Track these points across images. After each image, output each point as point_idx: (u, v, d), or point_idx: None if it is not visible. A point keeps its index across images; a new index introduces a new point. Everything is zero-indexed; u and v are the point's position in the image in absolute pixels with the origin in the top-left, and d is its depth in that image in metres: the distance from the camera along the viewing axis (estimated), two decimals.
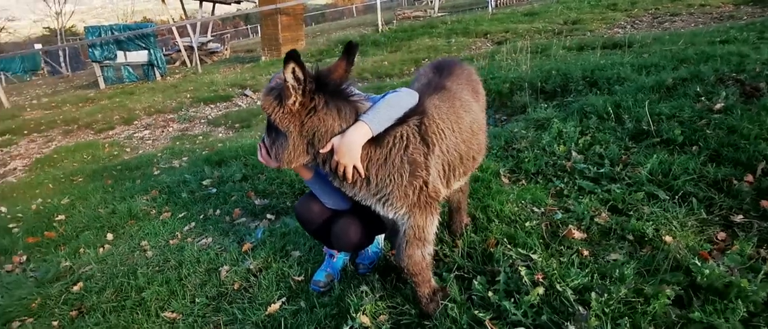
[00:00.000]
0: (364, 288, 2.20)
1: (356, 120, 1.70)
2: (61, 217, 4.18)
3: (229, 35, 23.90)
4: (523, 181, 3.12)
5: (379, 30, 14.45)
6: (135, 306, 2.61)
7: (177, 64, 17.57)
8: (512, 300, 1.88)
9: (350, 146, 1.66)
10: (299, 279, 2.54)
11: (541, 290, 1.84)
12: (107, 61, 14.14)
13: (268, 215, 3.50)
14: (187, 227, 3.52)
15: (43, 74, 26.70)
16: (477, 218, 2.66)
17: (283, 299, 2.39)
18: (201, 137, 7.02)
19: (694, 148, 2.97)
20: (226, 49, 19.96)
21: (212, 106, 9.26)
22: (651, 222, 2.33)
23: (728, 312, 1.66)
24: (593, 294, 1.77)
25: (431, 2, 21.75)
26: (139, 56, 14.26)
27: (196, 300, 2.56)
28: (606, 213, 2.51)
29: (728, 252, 2.05)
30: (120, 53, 14.16)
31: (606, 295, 1.76)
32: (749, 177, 2.55)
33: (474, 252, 2.33)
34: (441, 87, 1.95)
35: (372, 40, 12.96)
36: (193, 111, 8.91)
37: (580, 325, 1.67)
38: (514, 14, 12.78)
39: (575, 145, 3.33)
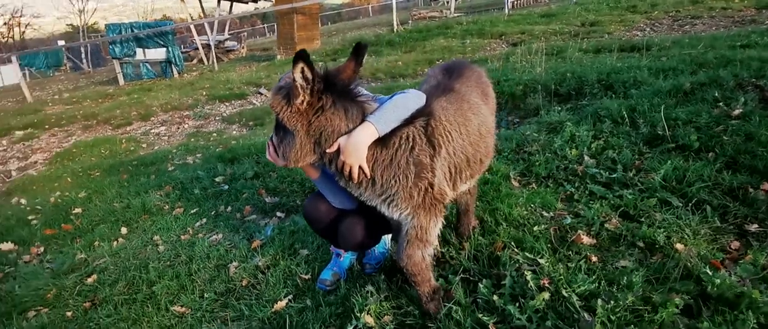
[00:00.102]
0: (369, 288, 2.21)
1: (363, 120, 1.71)
2: (78, 210, 4.27)
3: (245, 34, 24.12)
4: (534, 184, 3.09)
5: (394, 30, 14.45)
6: (146, 300, 2.66)
7: (194, 61, 17.82)
8: (517, 304, 1.87)
9: (356, 146, 1.67)
10: (306, 277, 2.56)
11: (546, 295, 1.83)
12: (127, 58, 14.42)
13: (278, 213, 3.53)
14: (198, 223, 3.57)
15: (66, 70, 27.39)
16: (485, 220, 2.65)
17: (290, 296, 2.41)
18: (215, 134, 7.10)
19: (710, 154, 2.90)
20: (243, 48, 20.17)
21: (227, 103, 9.36)
22: (663, 229, 2.29)
23: (738, 324, 1.63)
24: (599, 301, 1.75)
25: (447, 2, 21.68)
26: (158, 54, 14.51)
27: (205, 295, 2.60)
28: (617, 219, 2.48)
29: (741, 261, 2.01)
30: (139, 50, 14.43)
31: (612, 302, 1.74)
32: (766, 185, 2.49)
33: (481, 254, 2.32)
34: (449, 89, 1.94)
35: (387, 40, 12.96)
36: (209, 108, 9.02)
37: None
38: (531, 15, 12.65)
39: (588, 149, 3.29)
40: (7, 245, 3.72)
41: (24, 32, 49.39)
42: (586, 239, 2.31)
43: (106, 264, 3.14)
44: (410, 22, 18.26)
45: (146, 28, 14.72)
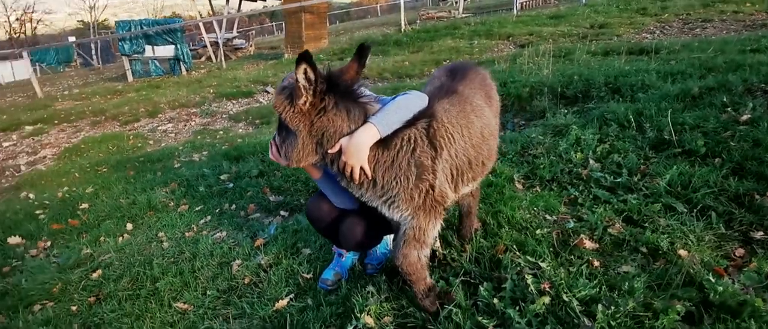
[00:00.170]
0: (370, 288, 2.21)
1: (365, 122, 1.71)
2: (85, 205, 4.32)
3: (254, 32, 24.20)
4: (537, 187, 3.08)
5: (402, 30, 14.43)
6: (149, 296, 2.68)
7: (202, 59, 17.92)
8: (517, 308, 1.87)
9: (358, 147, 1.68)
10: (308, 276, 2.57)
11: (547, 299, 1.82)
12: (136, 55, 14.55)
13: (282, 212, 3.55)
14: (203, 221, 3.60)
15: (76, 66, 27.66)
16: (488, 223, 2.64)
17: (291, 295, 2.42)
18: (221, 132, 7.14)
19: (716, 160, 2.88)
20: (251, 46, 20.24)
21: (234, 101, 9.41)
22: (666, 235, 2.27)
23: None
24: (600, 306, 1.74)
25: (456, 3, 21.62)
26: (167, 51, 14.61)
27: (208, 292, 2.62)
28: (620, 224, 2.46)
29: (745, 269, 1.99)
30: (148, 47, 14.55)
31: (613, 308, 1.73)
32: None
33: (482, 257, 2.31)
34: (452, 91, 1.94)
35: (394, 40, 12.96)
36: (216, 106, 9.07)
37: None
38: (539, 17, 12.58)
39: (593, 153, 3.27)
40: (15, 239, 3.77)
41: (35, 28, 50.00)
42: (589, 244, 2.30)
43: (111, 260, 3.17)
44: (418, 22, 18.25)
45: (156, 25, 14.83)
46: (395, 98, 1.83)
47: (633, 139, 3.37)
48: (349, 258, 2.51)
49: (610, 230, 2.41)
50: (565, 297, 1.84)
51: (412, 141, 1.74)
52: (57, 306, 2.78)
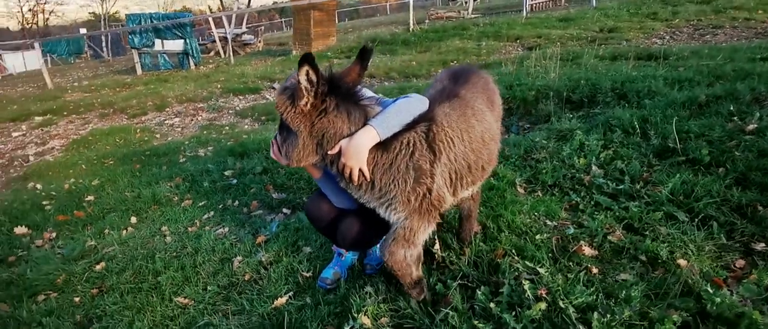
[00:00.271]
0: (368, 289, 2.23)
1: (365, 124, 1.73)
2: (91, 198, 4.37)
3: (262, 28, 24.30)
4: (539, 192, 3.08)
5: (411, 29, 14.43)
6: (151, 289, 2.71)
7: (211, 54, 18.01)
8: (514, 313, 1.87)
9: (357, 149, 1.70)
10: (307, 274, 2.59)
11: (543, 305, 1.83)
12: (145, 49, 14.65)
13: (284, 210, 3.57)
14: (206, 216, 3.63)
15: (86, 58, 27.93)
16: (488, 227, 2.65)
17: (290, 293, 2.44)
18: (227, 128, 7.18)
19: (720, 169, 2.86)
20: (259, 42, 20.32)
21: (241, 97, 9.45)
22: (666, 244, 2.27)
23: None
24: (595, 314, 1.74)
25: (465, 3, 21.56)
26: (176, 45, 14.69)
27: (208, 287, 2.64)
28: (620, 231, 2.46)
29: (745, 281, 1.98)
30: (158, 41, 14.63)
31: (608, 316, 1.73)
32: None
33: (481, 261, 2.32)
34: (454, 95, 1.95)
35: (402, 40, 12.97)
36: (223, 101, 9.12)
37: None
38: (549, 19, 12.53)
39: (596, 159, 3.26)
40: (21, 229, 3.82)
41: (47, 19, 50.49)
42: (588, 251, 2.30)
43: (115, 252, 3.20)
44: (427, 21, 18.23)
45: (166, 19, 14.92)
46: (396, 101, 1.84)
47: (637, 146, 3.36)
48: (348, 257, 2.53)
49: (610, 237, 2.40)
50: (561, 304, 1.84)
51: (411, 144, 1.75)
52: (60, 297, 2.82)
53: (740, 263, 2.16)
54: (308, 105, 1.68)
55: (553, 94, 4.92)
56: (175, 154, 5.63)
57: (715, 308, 1.77)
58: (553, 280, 2.00)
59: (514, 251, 2.34)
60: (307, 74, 1.61)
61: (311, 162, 1.85)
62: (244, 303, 2.44)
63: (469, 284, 2.17)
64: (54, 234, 3.74)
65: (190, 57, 14.63)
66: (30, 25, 48.64)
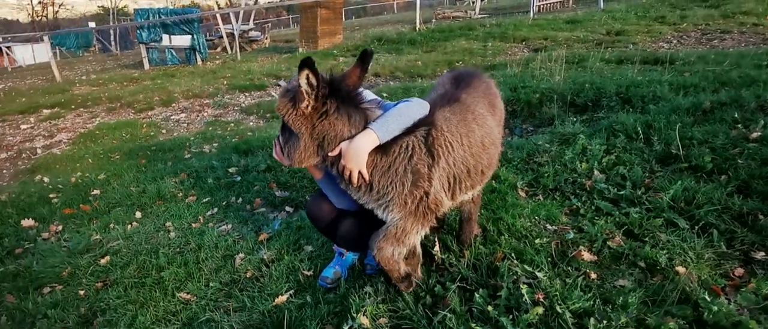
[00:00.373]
0: (368, 289, 2.25)
1: (365, 127, 1.75)
2: (97, 192, 4.42)
3: (269, 25, 24.36)
4: (540, 196, 3.09)
5: (417, 28, 14.42)
6: (154, 284, 2.75)
7: (218, 50, 18.09)
8: (511, 317, 1.89)
9: (357, 152, 1.73)
10: (308, 273, 2.61)
11: (540, 310, 1.84)
12: (153, 44, 14.74)
13: (287, 208, 3.60)
14: (209, 212, 3.66)
15: (95, 51, 28.12)
16: (488, 230, 2.66)
17: (291, 291, 2.47)
18: (233, 124, 7.23)
19: (722, 177, 2.86)
20: (266, 39, 20.37)
21: (247, 94, 9.50)
22: (666, 251, 2.28)
23: None
24: (592, 320, 1.76)
25: (472, 3, 21.51)
26: (183, 41, 14.77)
27: (210, 284, 2.67)
28: (620, 237, 2.47)
29: (743, 289, 1.99)
30: (165, 36, 14.72)
31: (605, 322, 1.75)
32: None
33: (480, 264, 2.34)
34: (455, 99, 1.97)
35: (408, 39, 12.96)
36: (228, 98, 9.17)
37: None
38: (556, 21, 12.48)
39: (598, 163, 3.27)
40: (28, 222, 3.87)
41: (57, 12, 50.85)
42: (587, 256, 2.31)
43: (120, 247, 3.25)
44: (434, 21, 18.20)
45: (173, 14, 15.00)
46: (397, 104, 1.86)
47: (640, 151, 3.36)
48: (349, 257, 2.55)
49: (609, 242, 2.41)
50: (558, 309, 1.86)
51: (409, 148, 1.78)
52: (65, 290, 2.87)
53: (739, 271, 2.16)
54: (309, 108, 1.71)
55: (557, 97, 4.92)
56: (181, 150, 5.68)
57: (711, 316, 1.78)
58: (551, 285, 2.02)
59: (513, 254, 2.35)
60: (307, 78, 1.64)
61: (312, 163, 1.88)
62: (246, 300, 2.47)
63: (468, 286, 2.18)
64: (60, 227, 3.79)
65: (197, 53, 14.71)
66: (39, 17, 49.02)
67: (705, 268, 2.17)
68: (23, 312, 2.70)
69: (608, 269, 2.27)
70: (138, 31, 14.69)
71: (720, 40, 8.48)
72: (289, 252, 2.85)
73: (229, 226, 3.38)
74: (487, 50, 10.32)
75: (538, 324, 1.84)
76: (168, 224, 3.52)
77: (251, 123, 7.37)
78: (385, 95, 6.93)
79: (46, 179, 5.11)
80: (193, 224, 3.47)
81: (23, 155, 6.69)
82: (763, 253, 2.24)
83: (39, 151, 6.81)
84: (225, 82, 10.47)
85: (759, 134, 3.15)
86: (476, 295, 2.03)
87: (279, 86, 9.85)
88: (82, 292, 2.80)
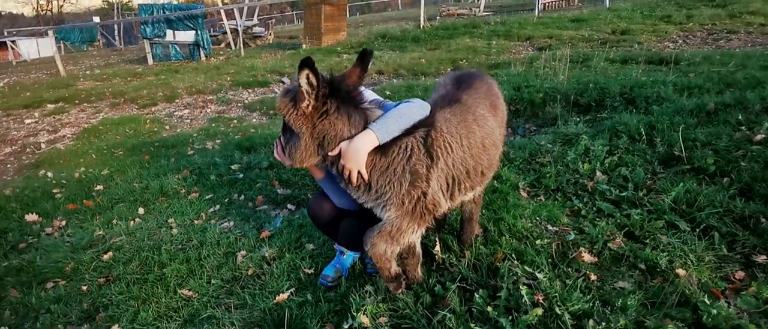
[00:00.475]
0: (368, 288, 2.26)
1: (365, 127, 1.76)
2: (100, 187, 4.44)
3: (273, 20, 24.37)
4: (542, 197, 3.09)
5: (421, 26, 14.39)
6: (156, 280, 2.77)
7: (222, 45, 18.11)
8: (510, 318, 1.89)
9: (356, 152, 1.74)
10: (309, 271, 2.63)
11: (539, 311, 1.85)
12: (157, 39, 14.78)
13: (289, 206, 3.61)
14: (212, 209, 3.68)
15: (99, 46, 28.21)
16: (489, 230, 2.67)
17: (292, 289, 2.48)
18: (236, 121, 7.24)
19: (725, 179, 2.85)
20: (270, 34, 20.38)
21: (250, 90, 9.51)
22: (666, 253, 2.28)
23: None
24: (591, 322, 1.76)
25: (477, 0, 21.43)
26: (187, 36, 14.79)
27: (212, 281, 2.69)
28: (621, 239, 2.47)
29: (743, 293, 1.99)
30: (169, 32, 14.74)
31: (604, 324, 1.75)
32: None
33: (480, 264, 2.34)
34: (456, 100, 1.98)
35: (412, 36, 12.95)
36: (232, 94, 9.18)
37: None
38: (561, 19, 12.43)
39: (601, 164, 3.26)
40: (32, 217, 3.90)
41: (62, 6, 50.98)
42: (588, 257, 2.32)
43: (122, 243, 3.27)
44: (438, 18, 18.15)
45: (178, 10, 15.03)
46: (398, 105, 1.87)
47: (643, 153, 3.35)
48: (350, 256, 2.56)
49: (610, 244, 2.41)
50: (557, 310, 1.86)
51: (408, 149, 1.79)
52: (68, 285, 2.89)
53: (740, 275, 2.16)
54: (309, 107, 1.72)
55: (560, 97, 4.91)
56: (184, 146, 5.70)
57: (711, 319, 1.78)
58: (551, 286, 2.02)
59: (513, 255, 2.36)
60: (307, 78, 1.65)
61: (313, 163, 1.90)
62: (247, 298, 2.49)
63: (468, 287, 2.19)
64: (64, 223, 3.81)
65: (200, 48, 14.72)
66: (44, 12, 49.18)
67: (705, 271, 2.17)
68: (27, 307, 2.73)
69: (608, 271, 2.27)
70: (142, 27, 14.72)
71: (726, 40, 8.43)
72: (291, 249, 2.86)
73: (231, 223, 3.39)
74: (491, 49, 10.29)
75: (538, 325, 1.84)
76: (170, 220, 3.53)
77: (254, 120, 7.38)
78: (388, 92, 6.93)
79: (49, 174, 5.14)
80: (196, 221, 3.49)
81: (27, 149, 6.73)
82: (764, 256, 2.24)
83: (43, 145, 6.84)
84: (228, 78, 10.48)
85: (763, 136, 3.14)
86: (476, 295, 2.04)
87: (282, 82, 9.86)
88: (84, 287, 2.83)
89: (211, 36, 16.80)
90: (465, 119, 1.92)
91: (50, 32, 15.67)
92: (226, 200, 3.82)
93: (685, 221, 2.54)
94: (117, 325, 2.43)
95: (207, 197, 3.93)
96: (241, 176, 4.28)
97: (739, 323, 1.76)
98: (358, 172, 1.79)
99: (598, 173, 3.15)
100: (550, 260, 2.33)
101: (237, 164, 4.56)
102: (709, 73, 5.14)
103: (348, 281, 2.45)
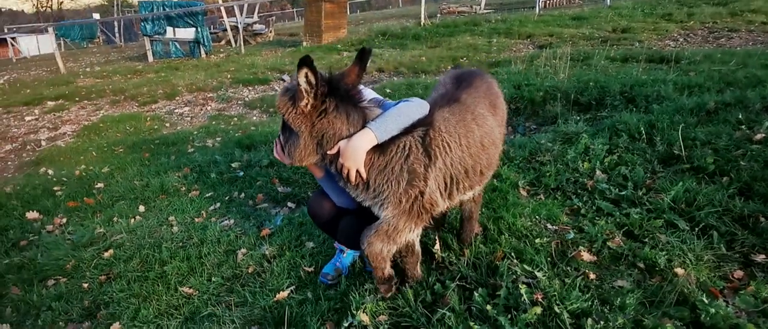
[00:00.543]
0: (368, 286, 2.27)
1: (364, 126, 1.77)
2: (101, 185, 4.45)
3: (274, 18, 24.33)
4: (542, 195, 3.09)
5: (422, 23, 14.37)
6: (157, 278, 2.78)
7: (222, 43, 18.09)
8: (510, 316, 1.90)
9: (355, 151, 1.75)
10: (309, 269, 2.63)
11: (538, 310, 1.85)
12: (157, 36, 14.75)
13: (289, 204, 3.62)
14: (212, 207, 3.69)
15: (99, 43, 28.18)
16: (488, 229, 2.67)
17: (292, 287, 2.49)
18: (236, 119, 7.25)
19: (724, 179, 2.86)
20: (270, 32, 20.35)
21: (250, 88, 9.51)
22: (665, 252, 2.28)
23: None
24: (589, 320, 1.77)
25: None
26: (187, 33, 14.77)
27: (213, 279, 2.70)
28: (620, 238, 2.47)
29: (742, 292, 1.99)
30: (169, 29, 14.73)
31: (602, 322, 1.76)
32: None
33: (480, 263, 2.35)
34: (455, 99, 1.98)
35: (413, 34, 12.93)
36: (232, 92, 9.18)
37: None
38: (562, 17, 12.41)
39: (600, 163, 3.26)
40: (33, 214, 3.91)
41: (62, 3, 50.89)
42: (587, 256, 2.32)
43: (123, 240, 3.28)
44: (439, 15, 18.13)
45: (178, 7, 14.99)
46: (397, 104, 1.87)
47: (642, 152, 3.35)
48: (350, 254, 2.56)
49: (609, 243, 2.42)
50: (556, 309, 1.87)
51: (406, 148, 1.80)
52: (69, 282, 2.90)
53: (739, 274, 2.17)
54: (308, 106, 1.73)
55: (561, 95, 4.91)
56: (184, 144, 5.70)
57: (709, 318, 1.79)
58: (550, 285, 2.03)
59: (513, 254, 2.36)
60: (306, 76, 1.66)
61: (312, 162, 1.91)
62: (247, 295, 2.50)
63: (467, 285, 2.20)
64: (64, 220, 3.82)
65: (201, 46, 14.71)
66: (44, 8, 49.11)
67: (704, 270, 2.18)
68: (28, 304, 2.74)
69: (607, 269, 2.28)
70: (142, 24, 14.71)
71: (727, 38, 8.42)
72: (291, 248, 2.87)
73: (232, 221, 3.40)
74: (491, 46, 10.28)
75: (536, 323, 1.85)
76: (171, 218, 3.54)
77: (254, 117, 7.39)
78: (388, 90, 6.92)
79: (50, 172, 5.15)
80: (196, 219, 3.50)
81: (28, 147, 6.74)
82: (763, 256, 2.24)
83: (43, 143, 6.85)
84: (229, 75, 10.47)
85: (763, 135, 3.14)
86: (475, 294, 2.05)
87: (283, 80, 9.86)
88: (85, 285, 2.84)
89: (211, 33, 16.78)
90: (464, 118, 1.92)
91: (50, 29, 15.62)
92: (227, 198, 3.83)
93: (684, 220, 2.55)
94: (118, 323, 2.44)
95: (207, 195, 3.93)
96: (242, 174, 4.29)
97: (737, 322, 1.77)
98: (357, 171, 1.80)
99: (598, 172, 3.15)
100: (549, 259, 2.34)
101: (237, 161, 4.57)
102: (709, 71, 5.14)
103: (348, 279, 2.46)
